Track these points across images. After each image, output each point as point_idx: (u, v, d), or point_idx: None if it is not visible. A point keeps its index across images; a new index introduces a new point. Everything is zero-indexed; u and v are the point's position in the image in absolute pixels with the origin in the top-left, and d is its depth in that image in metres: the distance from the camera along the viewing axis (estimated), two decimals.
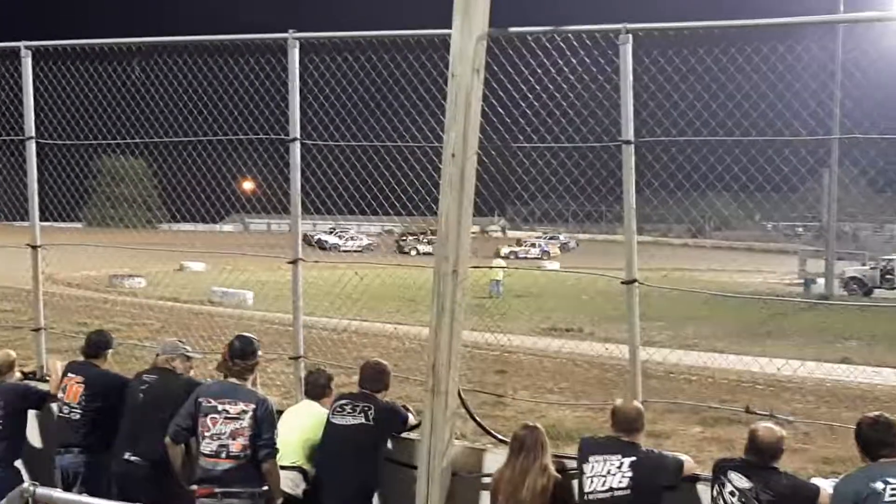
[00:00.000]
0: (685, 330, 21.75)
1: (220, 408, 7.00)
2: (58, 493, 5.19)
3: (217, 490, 6.87)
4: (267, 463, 6.92)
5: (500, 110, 7.12)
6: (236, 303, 17.50)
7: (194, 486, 6.97)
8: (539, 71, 6.98)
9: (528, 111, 7.13)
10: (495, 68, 6.96)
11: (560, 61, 6.90)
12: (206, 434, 6.98)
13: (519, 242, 53.55)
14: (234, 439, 6.91)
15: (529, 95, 7.09)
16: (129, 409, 7.78)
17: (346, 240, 25.21)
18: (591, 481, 6.25)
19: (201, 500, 6.90)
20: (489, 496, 6.68)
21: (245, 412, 6.96)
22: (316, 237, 22.78)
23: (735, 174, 7.26)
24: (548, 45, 6.90)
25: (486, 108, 6.67)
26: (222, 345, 7.76)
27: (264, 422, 6.97)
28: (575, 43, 6.83)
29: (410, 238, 23.05)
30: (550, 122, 7.13)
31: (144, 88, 9.07)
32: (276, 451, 6.96)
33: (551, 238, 53.97)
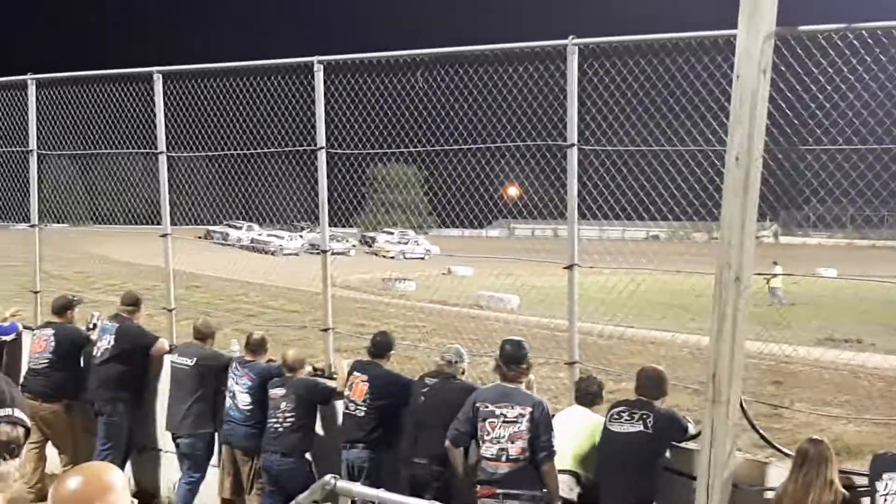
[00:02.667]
0: None
1: (497, 412, 7.14)
2: (357, 487, 5.44)
3: (498, 491, 7.01)
4: (545, 465, 7.00)
5: (788, 112, 6.87)
6: (502, 307, 17.80)
7: (476, 487, 7.15)
8: (830, 70, 6.68)
9: (817, 112, 6.84)
10: (782, 68, 6.72)
11: (853, 60, 6.59)
12: (486, 438, 7.13)
13: None
14: (513, 442, 7.03)
15: (819, 95, 6.80)
16: (412, 410, 8.06)
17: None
18: (886, 500, 5.93)
19: (483, 500, 7.08)
20: None
21: (522, 415, 7.06)
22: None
23: None
24: (839, 42, 6.60)
25: (771, 110, 6.45)
26: (490, 347, 7.91)
27: (541, 424, 7.05)
28: (870, 40, 6.52)
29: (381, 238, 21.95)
30: (842, 124, 6.81)
31: (427, 98, 9.37)
32: (554, 452, 7.03)
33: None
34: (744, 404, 6.92)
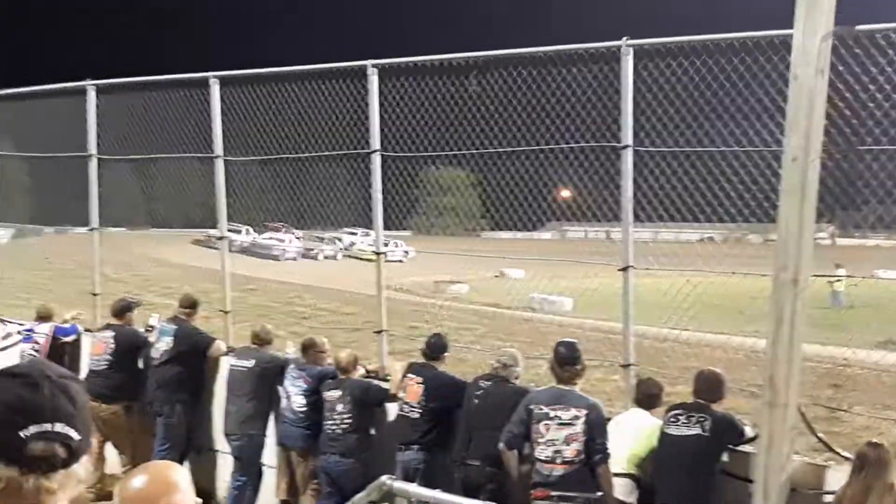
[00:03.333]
0: None
1: (552, 414, 7.13)
2: (413, 487, 5.47)
3: (553, 494, 6.99)
4: (600, 468, 6.97)
5: (846, 111, 6.79)
6: (555, 309, 17.74)
7: (531, 490, 7.14)
8: (889, 69, 6.60)
9: (876, 111, 6.76)
10: (840, 67, 6.64)
11: None
12: (541, 441, 7.13)
13: None
14: (567, 445, 7.02)
15: (878, 95, 6.72)
16: (465, 413, 8.08)
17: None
18: None
19: (537, 503, 7.06)
20: None
21: (577, 417, 7.04)
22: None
23: None
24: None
25: (828, 110, 6.38)
26: (543, 349, 7.90)
27: (596, 426, 7.03)
28: None
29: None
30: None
31: (480, 101, 9.39)
32: (609, 455, 7.00)
33: None
34: (801, 407, 6.85)
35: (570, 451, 6.99)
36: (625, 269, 8.18)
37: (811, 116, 6.15)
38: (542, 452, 7.11)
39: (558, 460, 7.02)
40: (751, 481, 6.73)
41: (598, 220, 9.80)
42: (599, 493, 6.96)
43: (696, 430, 6.99)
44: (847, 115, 6.80)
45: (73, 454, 2.12)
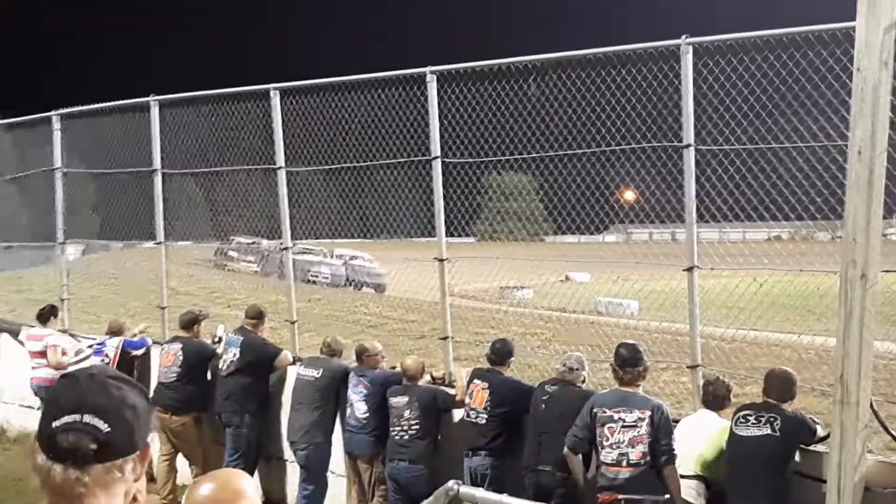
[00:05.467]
0: None
1: (616, 417, 7.10)
2: (480, 493, 5.47)
3: (620, 497, 6.96)
4: (666, 469, 6.92)
5: None
6: (621, 312, 17.62)
7: (598, 494, 7.11)
8: None
9: None
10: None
11: None
12: (606, 443, 7.10)
13: None
14: (633, 447, 6.98)
15: None
16: (532, 418, 8.07)
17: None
18: None
19: None
20: None
21: (641, 419, 7.01)
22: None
23: None
24: None
25: (894, 102, 6.28)
26: (609, 353, 7.86)
27: (661, 428, 6.99)
28: None
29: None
30: None
31: (539, 104, 9.40)
32: (675, 456, 6.95)
33: None
34: (874, 405, 6.73)
35: (635, 454, 6.95)
36: (690, 270, 8.13)
37: (876, 109, 6.06)
38: (607, 455, 7.08)
39: (623, 463, 6.99)
40: (824, 481, 6.64)
41: (663, 221, 9.74)
42: (667, 496, 6.90)
43: (766, 430, 6.89)
44: None
45: (106, 448, 2.13)
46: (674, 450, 6.98)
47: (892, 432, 7.16)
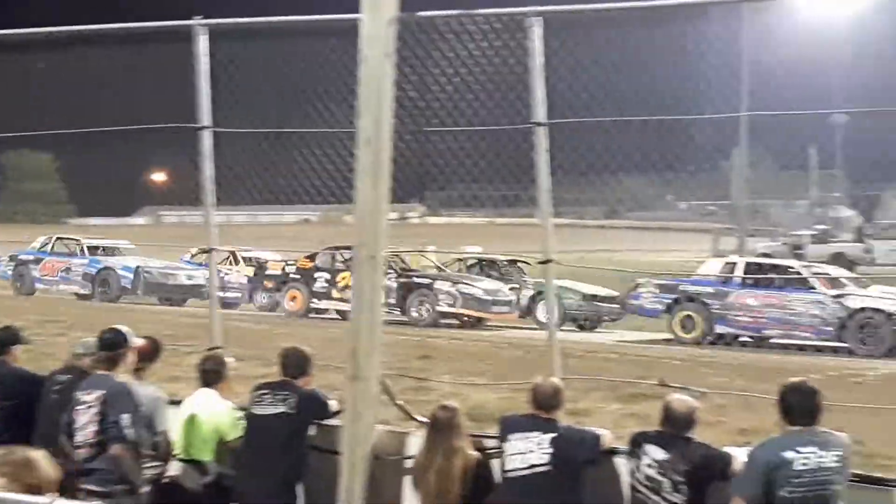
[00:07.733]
0: None
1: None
2: None
3: None
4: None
5: (416, 93, 7.11)
6: None
7: None
8: (449, 56, 6.98)
9: (439, 97, 7.13)
10: (407, 54, 6.94)
11: (468, 46, 6.91)
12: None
13: None
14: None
15: (441, 80, 7.09)
16: None
17: None
18: (512, 459, 6.33)
19: None
20: (411, 478, 6.74)
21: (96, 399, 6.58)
22: None
23: (645, 154, 7.38)
24: (458, 28, 6.90)
25: (400, 94, 6.66)
26: None
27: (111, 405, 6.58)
28: (485, 26, 6.85)
29: None
30: (462, 107, 7.14)
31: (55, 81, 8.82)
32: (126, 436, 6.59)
33: None
34: (384, 379, 7.11)
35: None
36: (208, 252, 8.12)
37: (381, 98, 6.38)
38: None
39: None
40: (338, 453, 6.91)
41: (194, 204, 9.61)
42: None
43: (281, 408, 7.01)
44: (415, 98, 7.12)
45: None
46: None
47: (398, 402, 7.63)
